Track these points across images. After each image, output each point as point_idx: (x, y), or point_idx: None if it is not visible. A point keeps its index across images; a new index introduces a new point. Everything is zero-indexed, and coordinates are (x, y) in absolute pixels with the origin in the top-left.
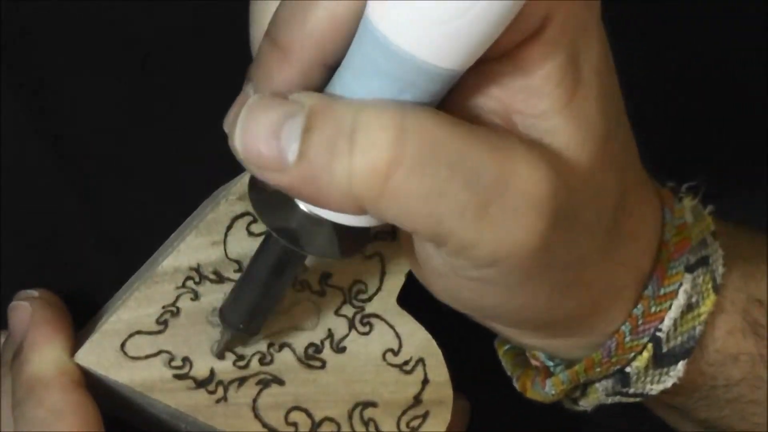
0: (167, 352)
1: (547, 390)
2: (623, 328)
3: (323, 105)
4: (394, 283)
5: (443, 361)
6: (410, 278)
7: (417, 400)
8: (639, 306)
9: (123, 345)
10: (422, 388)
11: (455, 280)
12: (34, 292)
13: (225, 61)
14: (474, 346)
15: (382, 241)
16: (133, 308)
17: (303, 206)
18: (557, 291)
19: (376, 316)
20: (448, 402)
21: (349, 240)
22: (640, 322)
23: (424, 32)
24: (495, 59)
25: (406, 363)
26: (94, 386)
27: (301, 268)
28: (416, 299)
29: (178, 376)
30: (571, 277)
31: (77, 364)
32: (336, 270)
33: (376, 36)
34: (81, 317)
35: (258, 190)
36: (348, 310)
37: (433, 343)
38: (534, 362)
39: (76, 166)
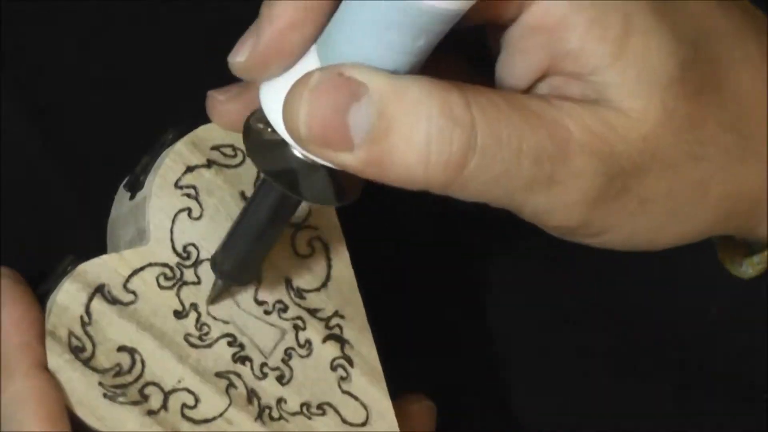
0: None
1: (744, 269)
2: None
3: (392, 91)
4: None
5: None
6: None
7: None
8: None
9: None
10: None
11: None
12: None
13: (225, 60)
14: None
15: None
16: None
17: (298, 152)
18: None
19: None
20: None
21: (345, 185)
22: None
23: None
24: (530, 31)
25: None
26: None
27: (293, 216)
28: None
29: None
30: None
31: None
32: None
33: None
34: None
35: (252, 137)
36: None
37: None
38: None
39: (76, 166)
